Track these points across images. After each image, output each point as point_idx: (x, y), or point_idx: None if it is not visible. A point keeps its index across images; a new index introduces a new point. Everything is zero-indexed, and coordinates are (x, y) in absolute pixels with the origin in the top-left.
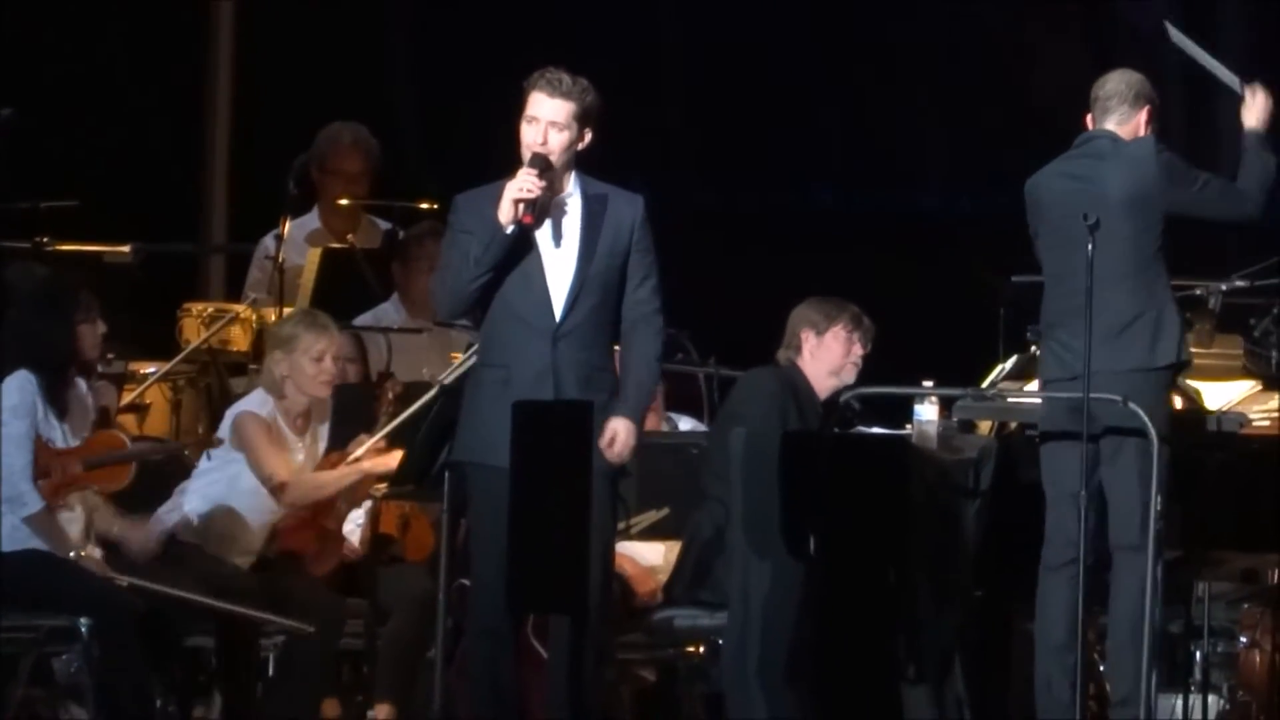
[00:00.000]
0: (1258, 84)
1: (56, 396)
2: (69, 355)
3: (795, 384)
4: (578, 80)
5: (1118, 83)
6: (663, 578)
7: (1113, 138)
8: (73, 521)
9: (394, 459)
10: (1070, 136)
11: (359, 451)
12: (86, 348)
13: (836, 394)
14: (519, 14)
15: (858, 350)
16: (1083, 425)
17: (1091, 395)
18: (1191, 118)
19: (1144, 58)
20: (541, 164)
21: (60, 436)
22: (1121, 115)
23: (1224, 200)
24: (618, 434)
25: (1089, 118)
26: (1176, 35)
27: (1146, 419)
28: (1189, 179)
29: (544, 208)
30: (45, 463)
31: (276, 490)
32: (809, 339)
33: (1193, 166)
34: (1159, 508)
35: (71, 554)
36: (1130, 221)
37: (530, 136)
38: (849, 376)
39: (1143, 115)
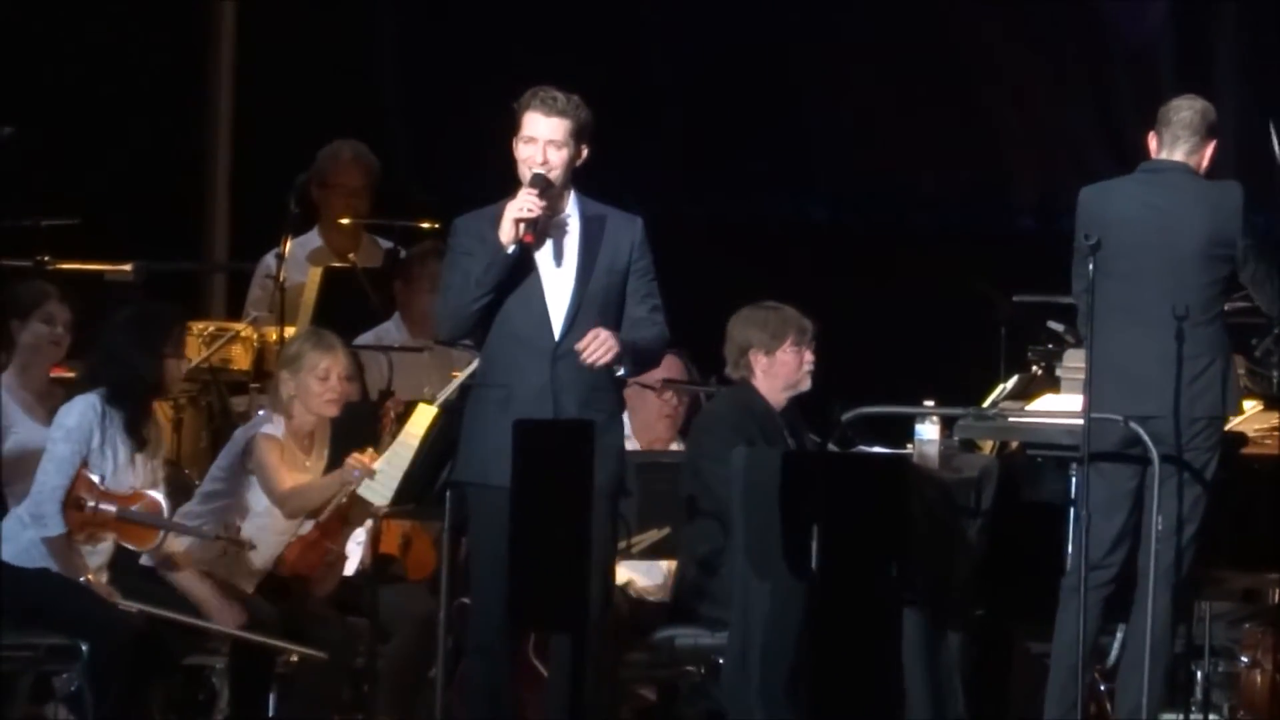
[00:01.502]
0: None
1: (134, 428)
2: (153, 387)
3: (750, 404)
4: (570, 97)
5: (1191, 113)
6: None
7: (1188, 171)
8: (96, 554)
9: (366, 457)
10: (1065, 152)
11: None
12: (169, 381)
13: (806, 403)
14: (514, 31)
15: (809, 358)
16: (1130, 452)
17: (1093, 415)
18: None
19: (1136, 70)
20: (542, 183)
21: (111, 469)
22: (1192, 147)
23: (1264, 283)
24: (599, 333)
25: (1152, 138)
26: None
27: (1149, 442)
28: (1256, 245)
29: (543, 228)
30: (81, 495)
31: (277, 500)
32: (759, 360)
33: (1258, 231)
34: (1158, 530)
35: (82, 580)
36: (1211, 268)
37: (529, 156)
38: (805, 385)
39: (1210, 148)
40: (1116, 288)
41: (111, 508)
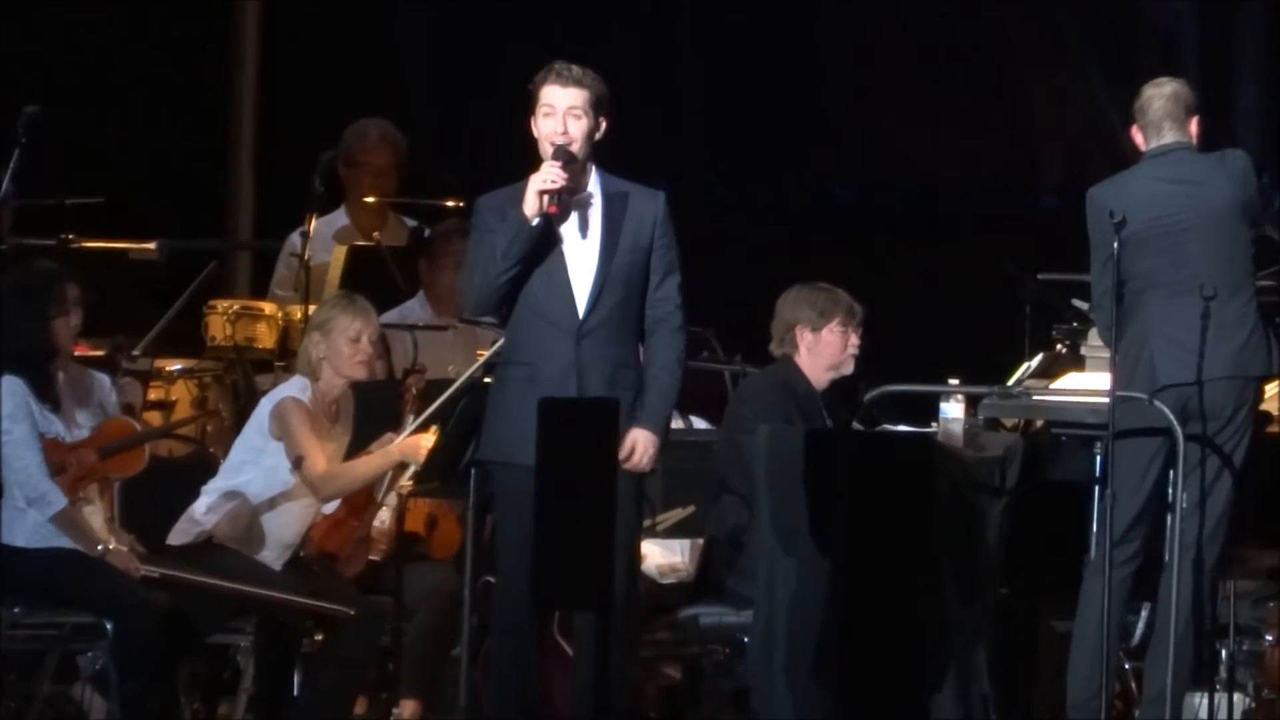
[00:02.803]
0: None
1: (45, 392)
2: (47, 351)
3: (791, 382)
4: (585, 69)
5: (1166, 101)
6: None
7: (1190, 147)
8: (94, 514)
9: (424, 442)
10: (1090, 131)
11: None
12: (61, 342)
13: (836, 381)
14: (540, 10)
15: (854, 340)
16: (1159, 427)
17: (1120, 394)
18: (1210, 109)
19: (1162, 51)
20: (565, 156)
21: (63, 429)
22: (1178, 131)
23: None
24: (637, 444)
25: (1136, 132)
26: None
27: (1173, 420)
28: (1269, 201)
29: (566, 204)
30: (59, 459)
31: (314, 482)
32: (804, 336)
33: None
34: (1183, 508)
35: (100, 548)
36: (1241, 231)
37: (548, 129)
38: (848, 368)
39: (1193, 125)
40: (1155, 262)
41: (90, 454)
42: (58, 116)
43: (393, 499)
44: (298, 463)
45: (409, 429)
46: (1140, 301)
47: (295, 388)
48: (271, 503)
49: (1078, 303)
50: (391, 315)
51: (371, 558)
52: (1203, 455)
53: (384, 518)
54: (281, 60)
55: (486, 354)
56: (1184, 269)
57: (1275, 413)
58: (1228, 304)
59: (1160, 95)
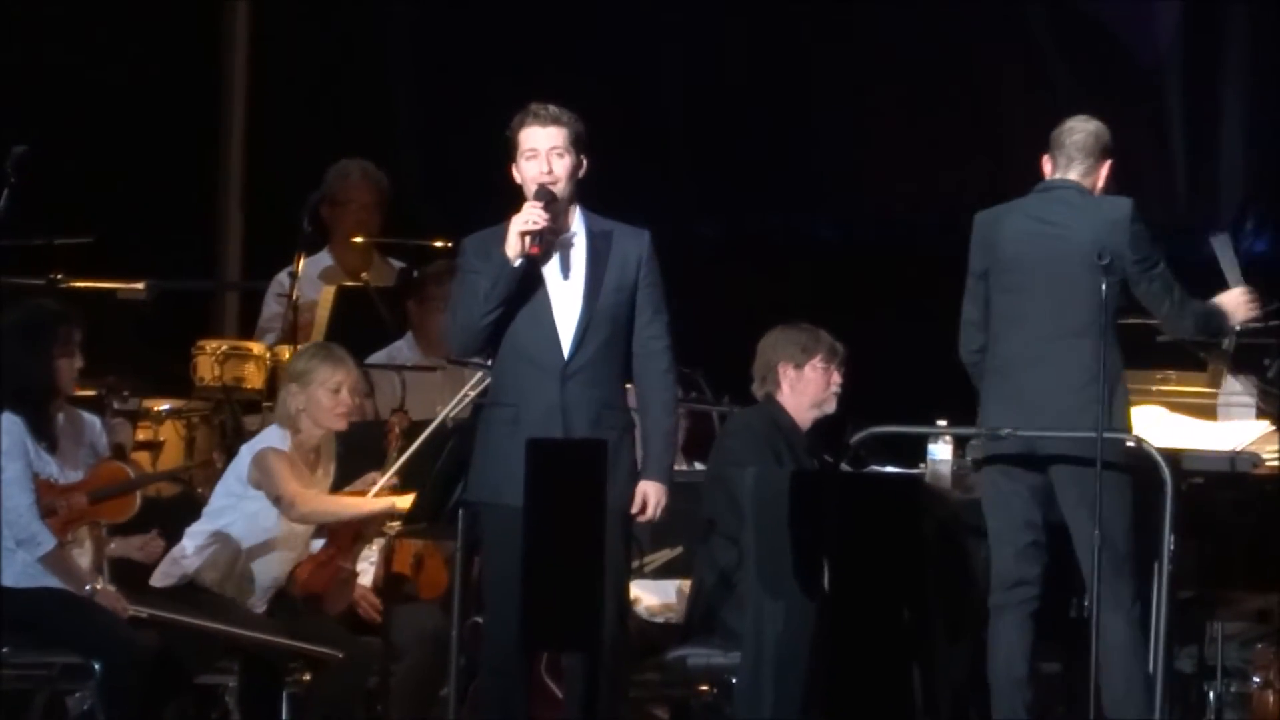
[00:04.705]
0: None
1: (43, 432)
2: (49, 390)
3: (778, 421)
4: (563, 109)
5: (1084, 135)
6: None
7: (1080, 189)
8: (83, 556)
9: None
10: None
11: (375, 488)
12: (63, 382)
13: (820, 423)
14: (528, 50)
15: (836, 379)
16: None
17: (1107, 435)
18: (1193, 159)
19: (1142, 89)
20: (547, 196)
21: (57, 471)
22: (1086, 168)
23: (1161, 300)
24: (648, 497)
25: (1046, 160)
26: (1220, 245)
27: (1161, 461)
28: (1149, 260)
29: (549, 244)
30: (50, 500)
31: (290, 499)
32: (787, 373)
33: (1156, 247)
34: (1170, 551)
35: (87, 588)
36: (1094, 279)
37: (533, 171)
38: (830, 407)
39: (1105, 169)
40: (1008, 302)
41: (81, 497)
42: (47, 155)
43: (380, 540)
44: (277, 500)
45: (392, 469)
46: (995, 339)
47: (275, 439)
48: (254, 547)
49: None
50: (380, 356)
51: (369, 617)
52: (1046, 491)
53: (371, 557)
54: (271, 99)
55: (467, 390)
56: (1028, 311)
57: (1262, 455)
58: (1073, 353)
59: (1083, 129)
